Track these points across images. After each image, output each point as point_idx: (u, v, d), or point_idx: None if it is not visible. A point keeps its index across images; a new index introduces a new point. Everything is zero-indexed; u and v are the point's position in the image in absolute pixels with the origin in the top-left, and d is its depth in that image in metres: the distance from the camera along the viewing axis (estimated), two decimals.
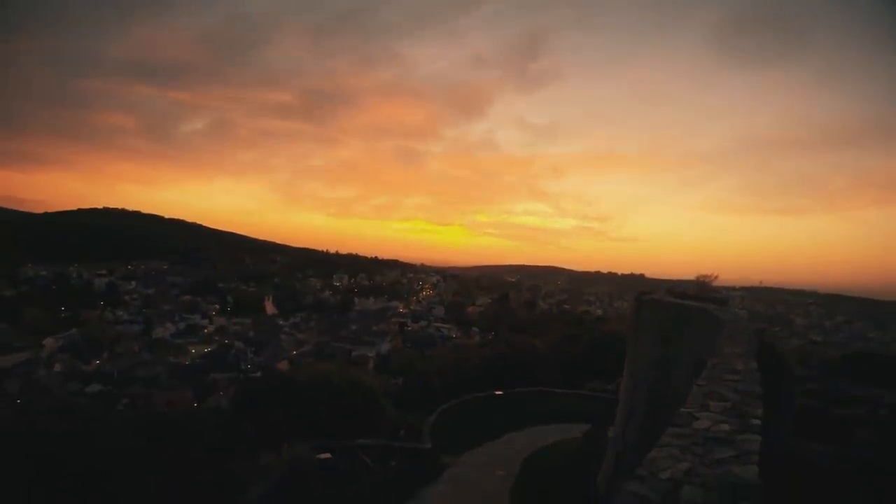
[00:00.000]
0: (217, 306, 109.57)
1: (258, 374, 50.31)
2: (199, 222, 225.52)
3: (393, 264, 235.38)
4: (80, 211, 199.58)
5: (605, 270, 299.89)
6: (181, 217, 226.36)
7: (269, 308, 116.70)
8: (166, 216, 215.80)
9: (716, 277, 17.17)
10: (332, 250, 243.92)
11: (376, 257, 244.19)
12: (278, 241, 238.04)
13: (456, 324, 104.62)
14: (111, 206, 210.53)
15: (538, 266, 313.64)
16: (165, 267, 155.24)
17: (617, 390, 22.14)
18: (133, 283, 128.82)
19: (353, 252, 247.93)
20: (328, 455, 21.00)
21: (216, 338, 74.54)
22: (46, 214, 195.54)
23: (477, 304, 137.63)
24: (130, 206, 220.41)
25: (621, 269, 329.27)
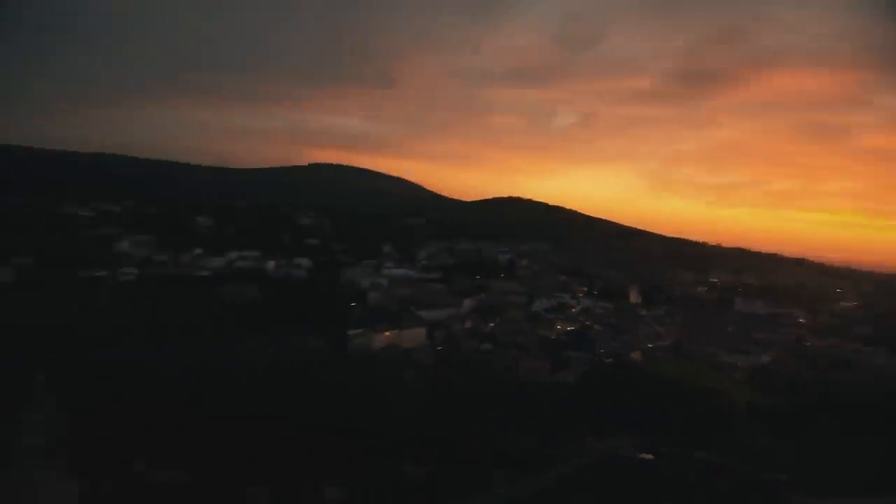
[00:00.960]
0: (585, 289, 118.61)
1: (610, 359, 52.58)
2: (574, 209, 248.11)
3: (797, 263, 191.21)
4: (493, 199, 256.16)
5: None
6: (561, 204, 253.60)
7: (633, 296, 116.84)
8: (550, 203, 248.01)
9: None
10: (712, 241, 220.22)
11: (776, 254, 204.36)
12: (647, 229, 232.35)
13: (890, 347, 75.46)
14: (514, 195, 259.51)
15: None
16: (549, 248, 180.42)
17: None
18: (525, 260, 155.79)
19: (739, 245, 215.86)
20: (651, 456, 20.55)
21: (579, 318, 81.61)
22: (472, 203, 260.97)
23: None
24: (525, 195, 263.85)
25: None
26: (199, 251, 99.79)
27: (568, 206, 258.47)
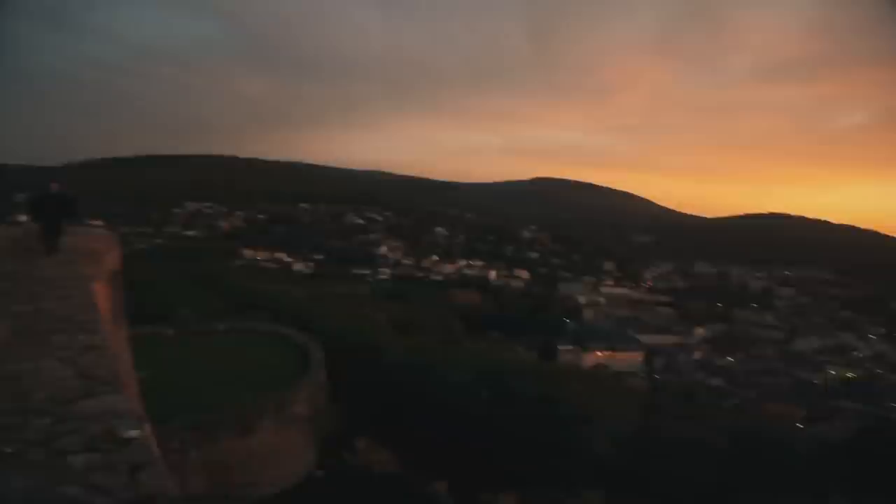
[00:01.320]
0: (883, 330, 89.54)
1: None
2: (873, 228, 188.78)
3: None
4: (745, 216, 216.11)
5: None
6: (851, 223, 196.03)
7: None
8: (834, 221, 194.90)
9: None
10: None
11: None
12: None
13: None
14: (775, 211, 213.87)
15: None
16: (828, 277, 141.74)
17: None
18: (791, 289, 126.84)
19: None
20: None
21: (867, 364, 62.61)
22: (715, 220, 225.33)
23: None
24: (793, 211, 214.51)
25: None
26: (435, 258, 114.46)
27: (862, 225, 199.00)
